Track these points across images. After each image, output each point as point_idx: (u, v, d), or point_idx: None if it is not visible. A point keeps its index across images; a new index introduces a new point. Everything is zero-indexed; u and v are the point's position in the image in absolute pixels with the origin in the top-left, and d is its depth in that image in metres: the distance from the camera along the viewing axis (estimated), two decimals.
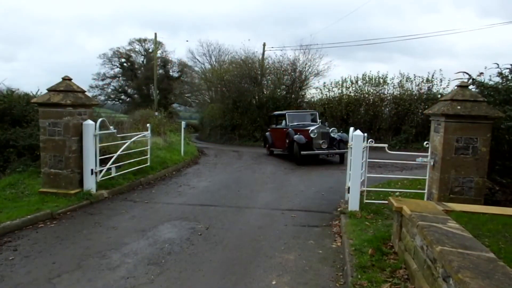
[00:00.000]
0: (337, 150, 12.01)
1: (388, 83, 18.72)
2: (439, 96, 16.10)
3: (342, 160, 11.92)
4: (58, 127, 6.82)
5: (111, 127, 7.72)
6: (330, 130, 12.24)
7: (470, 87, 5.96)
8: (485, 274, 2.26)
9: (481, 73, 6.71)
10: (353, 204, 6.00)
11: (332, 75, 42.41)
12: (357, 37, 66.69)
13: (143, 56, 41.92)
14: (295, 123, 13.40)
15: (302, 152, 11.55)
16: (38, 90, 10.56)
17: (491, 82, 6.64)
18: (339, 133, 12.40)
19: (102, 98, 40.12)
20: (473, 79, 6.69)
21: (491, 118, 5.28)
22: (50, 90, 6.96)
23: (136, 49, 41.49)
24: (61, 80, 7.10)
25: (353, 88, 19.34)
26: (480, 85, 6.62)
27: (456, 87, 5.72)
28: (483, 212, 4.14)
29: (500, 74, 6.53)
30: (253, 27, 55.66)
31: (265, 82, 22.65)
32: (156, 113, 17.87)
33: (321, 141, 11.81)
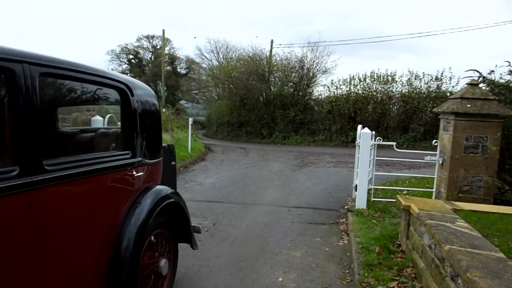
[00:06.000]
0: None
1: (396, 81, 18.60)
2: (448, 94, 15.95)
3: None
4: (67, 122, 6.89)
5: (119, 123, 7.76)
6: None
7: (481, 85, 5.89)
8: (494, 274, 2.24)
9: (492, 71, 6.63)
10: (360, 202, 5.98)
11: (338, 72, 42.41)
12: (362, 35, 66.18)
13: (151, 53, 42.05)
14: None
15: None
16: None
17: (502, 80, 6.56)
18: None
19: None
20: (483, 77, 6.60)
21: (502, 116, 5.21)
22: None
23: (144, 46, 41.64)
24: None
25: (361, 86, 19.24)
26: (491, 83, 6.53)
27: (466, 85, 5.65)
28: (493, 211, 4.10)
29: (511, 72, 6.43)
30: (259, 25, 55.62)
31: (273, 79, 22.62)
32: (164, 110, 17.95)
33: None
